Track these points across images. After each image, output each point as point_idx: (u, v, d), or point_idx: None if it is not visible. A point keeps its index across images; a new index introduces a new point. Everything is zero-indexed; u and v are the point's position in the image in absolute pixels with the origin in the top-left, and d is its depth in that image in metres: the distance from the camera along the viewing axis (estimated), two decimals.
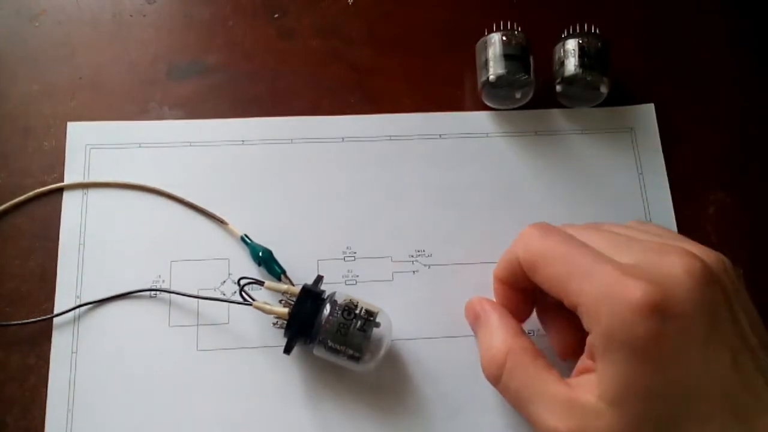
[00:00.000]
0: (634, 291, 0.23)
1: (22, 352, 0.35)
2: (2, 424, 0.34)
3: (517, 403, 0.27)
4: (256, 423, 0.35)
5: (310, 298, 0.33)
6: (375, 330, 0.32)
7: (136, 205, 0.38)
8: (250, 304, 0.34)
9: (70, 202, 0.38)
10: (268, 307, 0.33)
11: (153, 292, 0.36)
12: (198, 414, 0.35)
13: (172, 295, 0.36)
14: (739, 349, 0.24)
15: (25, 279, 0.37)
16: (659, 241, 0.27)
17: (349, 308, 0.32)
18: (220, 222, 0.38)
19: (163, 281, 0.37)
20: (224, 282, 0.37)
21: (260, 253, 0.36)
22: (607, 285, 0.24)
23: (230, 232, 0.38)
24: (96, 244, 0.37)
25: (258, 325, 0.36)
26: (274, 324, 0.34)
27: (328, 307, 0.32)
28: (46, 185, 0.38)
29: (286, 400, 0.35)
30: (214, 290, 0.37)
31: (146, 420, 0.34)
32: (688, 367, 0.23)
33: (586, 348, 0.26)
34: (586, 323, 0.25)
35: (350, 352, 0.32)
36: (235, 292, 0.36)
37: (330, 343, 0.32)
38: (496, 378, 0.28)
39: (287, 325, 0.33)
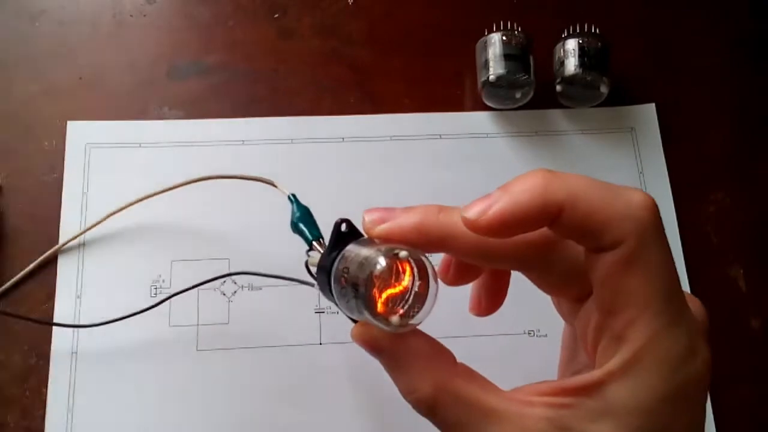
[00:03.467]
0: (701, 359, 0.20)
1: (22, 353, 0.35)
2: (3, 424, 0.34)
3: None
4: (256, 423, 0.35)
5: None
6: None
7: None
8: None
9: (70, 200, 0.38)
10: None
11: (155, 292, 0.36)
12: (198, 414, 0.35)
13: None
14: None
15: (26, 279, 0.37)
16: None
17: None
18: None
19: (164, 281, 0.37)
20: (224, 282, 0.37)
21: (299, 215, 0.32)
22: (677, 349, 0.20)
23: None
24: (96, 244, 0.37)
25: (258, 325, 0.36)
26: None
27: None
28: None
29: (286, 399, 0.35)
30: (214, 290, 0.37)
31: (146, 420, 0.34)
32: None
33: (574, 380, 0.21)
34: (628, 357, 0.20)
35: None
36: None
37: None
38: (427, 416, 0.23)
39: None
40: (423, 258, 0.23)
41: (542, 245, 0.23)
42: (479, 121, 0.42)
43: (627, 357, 0.20)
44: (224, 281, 0.37)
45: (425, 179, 0.40)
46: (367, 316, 0.22)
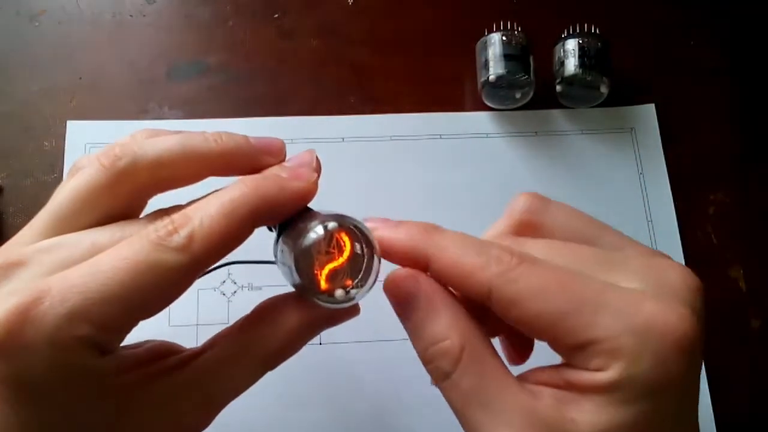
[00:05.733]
0: (675, 324, 0.20)
1: None
2: None
3: (464, 405, 0.22)
4: (256, 423, 0.35)
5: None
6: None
7: None
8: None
9: None
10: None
11: None
12: None
13: None
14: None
15: None
16: (641, 254, 0.24)
17: None
18: None
19: None
20: (224, 282, 0.37)
21: None
22: (634, 315, 0.20)
23: None
24: None
25: None
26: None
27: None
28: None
29: (286, 399, 0.35)
30: (214, 290, 0.37)
31: None
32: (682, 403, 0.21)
33: (574, 375, 0.21)
34: (597, 362, 0.20)
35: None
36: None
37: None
38: (445, 375, 0.22)
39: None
40: (357, 224, 0.22)
41: None
42: (479, 121, 0.42)
43: (625, 370, 0.20)
44: (224, 281, 0.37)
45: (425, 179, 0.40)
46: (308, 294, 0.22)
